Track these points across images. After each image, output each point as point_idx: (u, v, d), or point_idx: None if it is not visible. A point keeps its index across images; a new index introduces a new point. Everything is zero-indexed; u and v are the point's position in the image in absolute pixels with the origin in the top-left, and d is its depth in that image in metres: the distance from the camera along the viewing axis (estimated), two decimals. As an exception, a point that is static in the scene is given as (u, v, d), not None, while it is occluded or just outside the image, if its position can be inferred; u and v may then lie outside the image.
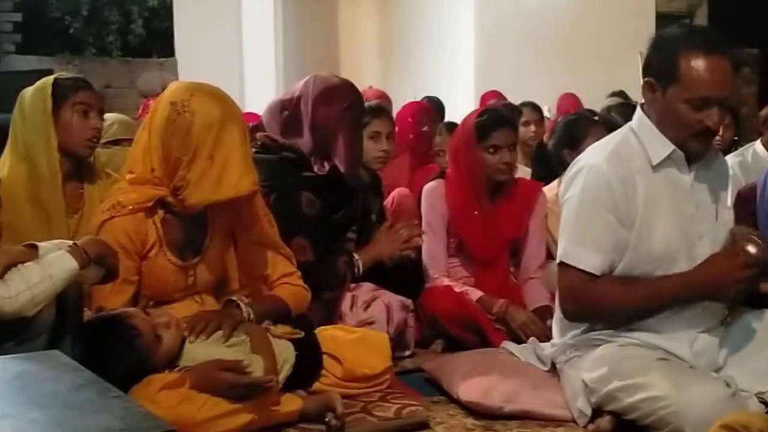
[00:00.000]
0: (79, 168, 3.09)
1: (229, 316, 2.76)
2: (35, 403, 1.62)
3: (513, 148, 3.74)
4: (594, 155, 2.74)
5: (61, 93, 3.04)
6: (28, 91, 3.08)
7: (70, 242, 2.50)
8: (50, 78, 3.08)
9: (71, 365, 1.90)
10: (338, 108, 3.34)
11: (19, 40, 11.30)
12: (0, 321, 2.33)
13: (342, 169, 3.34)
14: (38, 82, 3.10)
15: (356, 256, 3.48)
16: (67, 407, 1.61)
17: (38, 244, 2.45)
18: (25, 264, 2.36)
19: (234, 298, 2.85)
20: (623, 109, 4.88)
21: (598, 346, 2.71)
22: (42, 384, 1.76)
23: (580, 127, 4.12)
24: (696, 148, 2.64)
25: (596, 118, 4.43)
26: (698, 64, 2.55)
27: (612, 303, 2.68)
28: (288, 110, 3.38)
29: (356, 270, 3.46)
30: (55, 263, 2.38)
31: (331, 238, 3.39)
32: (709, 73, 2.55)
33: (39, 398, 1.66)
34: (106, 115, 3.49)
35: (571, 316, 2.77)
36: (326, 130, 3.33)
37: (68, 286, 2.43)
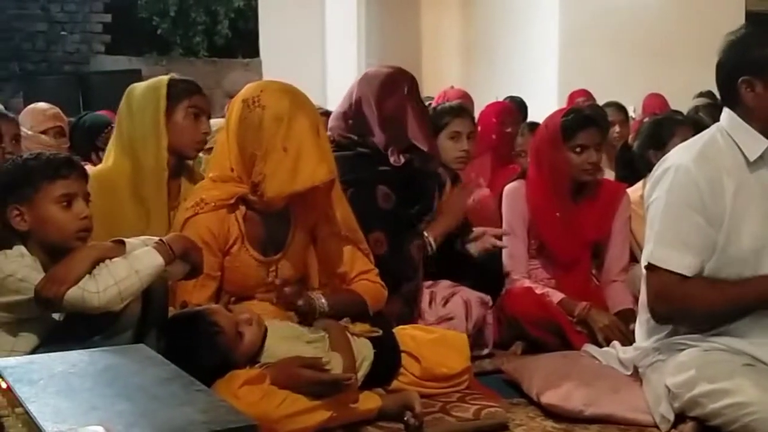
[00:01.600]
0: (179, 166, 3.13)
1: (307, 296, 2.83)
2: (122, 396, 1.65)
3: (599, 148, 3.69)
4: (681, 156, 2.69)
5: (175, 94, 3.05)
6: (138, 88, 3.10)
7: (156, 238, 2.55)
8: (164, 78, 3.10)
9: (156, 359, 1.93)
10: (401, 94, 3.37)
11: (108, 40, 11.56)
12: (88, 315, 2.38)
13: (424, 148, 3.37)
14: (151, 81, 3.12)
15: (426, 234, 3.43)
16: (152, 400, 1.64)
17: (125, 240, 2.50)
18: (113, 259, 2.42)
19: (309, 295, 2.88)
20: (711, 109, 4.79)
21: (683, 350, 2.67)
22: (128, 377, 1.80)
23: (666, 127, 4.05)
24: None
25: (682, 118, 4.35)
26: None
27: (703, 303, 2.63)
28: (351, 118, 3.40)
29: (429, 248, 3.42)
30: (141, 259, 2.43)
31: (406, 231, 3.40)
32: None
33: (125, 391, 1.69)
34: (214, 121, 3.54)
35: (662, 318, 2.72)
36: (397, 120, 3.35)
37: (154, 282, 2.48)
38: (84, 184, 2.56)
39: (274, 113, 2.77)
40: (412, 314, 3.30)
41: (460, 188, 3.61)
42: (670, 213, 2.64)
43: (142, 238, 2.56)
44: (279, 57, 10.72)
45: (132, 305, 2.45)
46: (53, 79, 10.60)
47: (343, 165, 3.08)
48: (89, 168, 3.50)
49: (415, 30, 11.59)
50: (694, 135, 2.90)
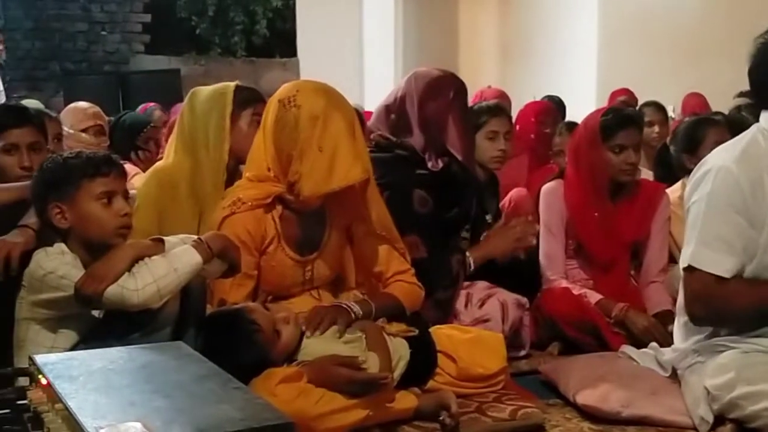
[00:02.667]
0: (236, 172, 3.18)
1: (343, 313, 2.79)
2: (160, 392, 1.66)
3: (638, 149, 3.67)
4: (722, 156, 2.66)
5: (240, 101, 3.14)
6: (204, 92, 3.19)
7: (195, 237, 2.57)
8: (231, 84, 3.19)
9: (194, 356, 1.94)
10: (445, 99, 3.36)
11: (148, 40, 11.67)
12: (128, 313, 2.41)
13: (459, 157, 3.35)
14: (217, 86, 3.20)
15: (468, 253, 3.46)
16: (190, 397, 1.65)
17: (164, 238, 2.53)
18: (152, 257, 2.44)
19: (342, 303, 2.87)
20: (753, 108, 4.72)
21: (722, 352, 2.64)
22: (166, 374, 1.81)
23: (698, 130, 4.01)
24: None
25: (718, 118, 4.29)
26: None
27: (742, 305, 2.60)
28: (394, 113, 3.39)
29: (467, 267, 3.44)
30: (180, 257, 2.45)
31: (444, 236, 3.39)
32: None
33: (163, 387, 1.70)
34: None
35: (700, 320, 2.69)
36: (436, 123, 3.34)
37: (193, 280, 2.49)
38: (123, 182, 2.59)
39: (310, 113, 2.78)
40: (445, 319, 3.28)
41: (517, 222, 3.59)
42: (711, 214, 2.60)
43: (181, 236, 2.58)
44: (316, 56, 10.76)
45: (171, 303, 2.47)
46: (93, 79, 10.71)
47: (380, 167, 3.07)
48: (129, 167, 3.55)
49: (452, 29, 11.57)
50: (733, 135, 2.86)
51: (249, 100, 3.17)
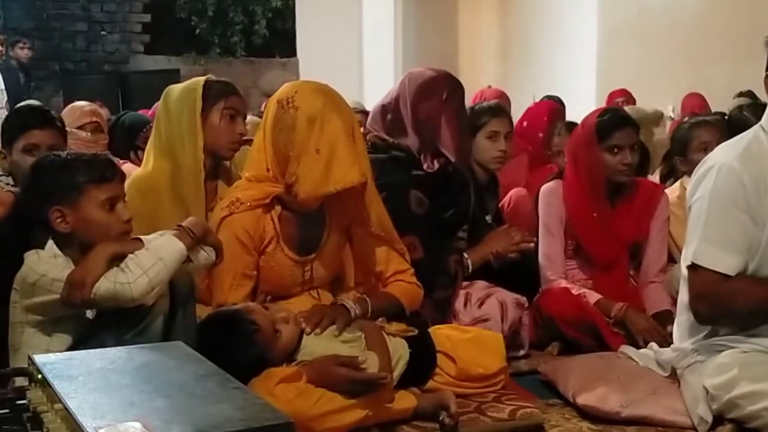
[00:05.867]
0: (216, 167, 3.15)
1: (342, 313, 2.80)
2: (159, 392, 1.66)
3: (634, 149, 3.66)
4: (724, 154, 2.65)
5: (211, 96, 3.06)
6: (175, 90, 3.12)
7: (172, 230, 2.52)
8: (200, 80, 3.12)
9: (194, 356, 1.94)
10: (438, 100, 3.34)
11: (147, 40, 11.69)
12: (119, 312, 2.39)
13: (452, 158, 3.34)
14: (187, 83, 3.14)
15: (466, 255, 3.46)
16: (189, 397, 1.64)
17: (142, 237, 2.48)
18: (136, 252, 2.40)
19: (342, 301, 2.87)
20: (755, 108, 4.73)
21: (721, 351, 2.64)
22: (166, 374, 1.80)
23: (686, 133, 4.00)
24: None
25: (709, 118, 4.28)
26: None
27: (748, 304, 2.59)
28: (389, 113, 3.39)
29: (466, 269, 3.44)
30: (163, 247, 2.42)
31: (441, 236, 3.38)
32: None
33: (163, 387, 1.69)
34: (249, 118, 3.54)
35: (704, 318, 2.69)
36: (429, 124, 3.33)
37: (179, 279, 2.48)
38: (123, 187, 2.57)
39: (307, 114, 2.77)
40: (444, 319, 3.28)
41: (512, 231, 3.58)
42: (714, 212, 2.60)
43: (159, 232, 2.52)
44: (316, 56, 10.76)
45: (160, 301, 2.44)
46: (93, 79, 10.73)
47: (376, 168, 3.06)
48: (128, 167, 3.54)
49: (452, 29, 11.58)
50: (734, 135, 2.86)
51: (219, 93, 3.08)
